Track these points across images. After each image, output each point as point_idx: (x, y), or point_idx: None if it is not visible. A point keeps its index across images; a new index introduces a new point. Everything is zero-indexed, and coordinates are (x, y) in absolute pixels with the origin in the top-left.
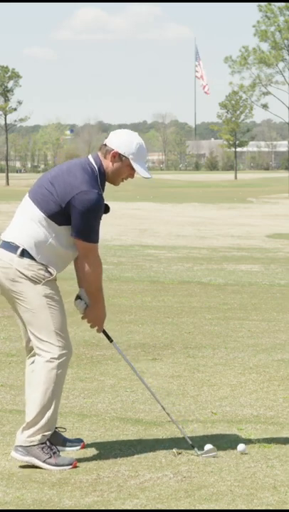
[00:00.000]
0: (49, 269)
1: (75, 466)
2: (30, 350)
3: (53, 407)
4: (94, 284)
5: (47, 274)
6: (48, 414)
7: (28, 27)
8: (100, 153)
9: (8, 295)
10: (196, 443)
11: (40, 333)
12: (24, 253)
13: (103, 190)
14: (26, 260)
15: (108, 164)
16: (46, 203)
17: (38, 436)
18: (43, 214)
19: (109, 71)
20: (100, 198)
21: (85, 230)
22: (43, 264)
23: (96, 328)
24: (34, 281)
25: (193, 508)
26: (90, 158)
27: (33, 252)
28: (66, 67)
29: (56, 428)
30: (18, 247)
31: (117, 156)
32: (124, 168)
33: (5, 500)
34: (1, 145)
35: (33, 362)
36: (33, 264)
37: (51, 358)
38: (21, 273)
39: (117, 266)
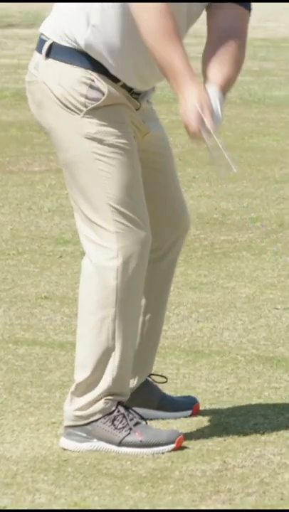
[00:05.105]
0: (97, 80)
1: (180, 446)
2: None
3: (119, 346)
4: (149, 32)
5: (92, 94)
6: (114, 361)
7: None
8: None
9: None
10: None
11: (86, 208)
12: (52, 49)
13: None
14: (51, 62)
15: None
16: None
17: (99, 404)
18: None
19: None
20: None
21: None
22: (85, 69)
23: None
24: (68, 108)
25: (194, 508)
26: None
27: (65, 42)
28: None
29: (150, 376)
30: (44, 41)
31: None
32: None
33: (4, 501)
34: None
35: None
36: (63, 71)
37: (107, 259)
38: (50, 90)
39: None
